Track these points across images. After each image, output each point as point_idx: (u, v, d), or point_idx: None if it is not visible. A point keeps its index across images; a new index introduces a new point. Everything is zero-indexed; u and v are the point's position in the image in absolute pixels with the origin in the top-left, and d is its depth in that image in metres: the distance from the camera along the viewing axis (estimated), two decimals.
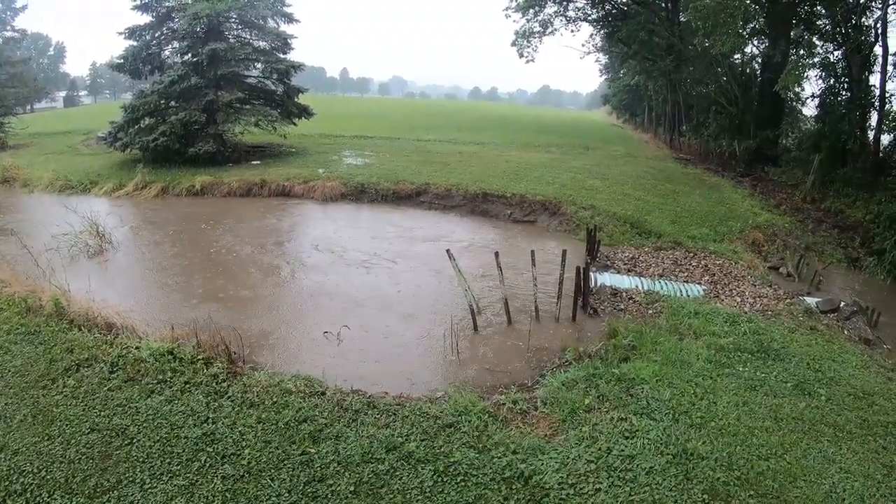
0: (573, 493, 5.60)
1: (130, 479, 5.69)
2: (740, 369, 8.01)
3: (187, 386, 7.11)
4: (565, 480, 5.74)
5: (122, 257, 12.91)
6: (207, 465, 5.89)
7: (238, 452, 6.05)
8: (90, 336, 8.10)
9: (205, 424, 6.45)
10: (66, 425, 6.38)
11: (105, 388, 7.00)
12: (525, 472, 5.82)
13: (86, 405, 6.72)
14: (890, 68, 22.12)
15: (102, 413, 6.58)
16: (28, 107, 55.81)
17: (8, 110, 30.41)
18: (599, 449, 6.17)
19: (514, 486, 5.68)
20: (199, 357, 7.62)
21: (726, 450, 6.24)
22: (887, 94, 22.25)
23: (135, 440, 6.19)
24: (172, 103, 22.82)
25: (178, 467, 5.85)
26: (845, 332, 10.14)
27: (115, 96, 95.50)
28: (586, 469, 5.89)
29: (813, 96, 25.92)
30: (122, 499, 5.46)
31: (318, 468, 5.88)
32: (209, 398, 6.90)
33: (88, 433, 6.27)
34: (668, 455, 6.10)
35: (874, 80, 22.80)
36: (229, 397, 6.94)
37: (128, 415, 6.57)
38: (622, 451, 6.15)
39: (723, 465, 6.00)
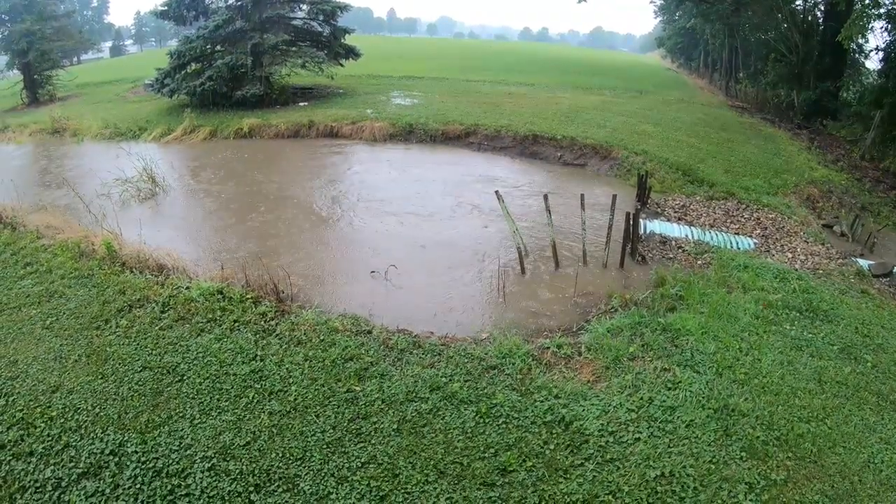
0: (612, 440, 5.64)
1: (181, 414, 5.94)
2: (787, 328, 7.85)
3: (236, 324, 7.33)
4: (605, 428, 5.78)
5: (172, 201, 13.20)
6: (255, 401, 6.11)
7: (285, 389, 6.25)
8: (142, 278, 8.36)
9: (253, 362, 6.66)
10: (119, 364, 6.65)
11: (156, 328, 7.27)
12: (566, 417, 5.88)
13: (138, 344, 6.99)
14: None
15: (154, 352, 6.84)
16: (75, 59, 56.67)
17: (55, 63, 30.97)
18: (641, 398, 6.17)
19: (554, 431, 5.74)
20: (247, 296, 7.82)
21: (767, 409, 6.17)
22: None
23: (185, 377, 6.44)
24: (218, 48, 23.00)
25: (227, 403, 6.08)
26: None
27: (161, 44, 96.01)
28: (627, 418, 5.91)
29: (877, 49, 24.66)
30: (172, 433, 5.71)
31: (363, 406, 6.04)
32: (257, 336, 7.11)
33: (140, 371, 6.53)
34: (709, 409, 6.07)
35: None
36: (277, 335, 7.13)
37: (178, 353, 6.82)
38: (664, 401, 6.14)
39: (763, 424, 5.95)
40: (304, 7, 25.03)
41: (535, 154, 17.78)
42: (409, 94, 25.74)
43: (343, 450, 5.55)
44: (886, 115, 21.42)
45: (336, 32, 25.18)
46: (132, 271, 8.59)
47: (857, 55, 28.37)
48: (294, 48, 24.21)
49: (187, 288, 8.05)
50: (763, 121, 25.98)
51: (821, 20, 28.28)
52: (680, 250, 10.59)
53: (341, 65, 25.79)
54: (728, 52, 38.21)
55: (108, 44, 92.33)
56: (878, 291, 9.73)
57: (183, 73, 22.57)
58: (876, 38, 26.40)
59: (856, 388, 6.73)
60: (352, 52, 25.65)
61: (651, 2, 49.47)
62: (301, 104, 23.07)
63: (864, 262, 11.06)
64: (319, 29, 25.34)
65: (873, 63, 27.52)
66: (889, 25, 22.81)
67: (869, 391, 6.70)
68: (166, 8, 23.81)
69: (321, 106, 22.51)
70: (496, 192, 9.74)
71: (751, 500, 5.10)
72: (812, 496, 5.20)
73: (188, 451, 5.53)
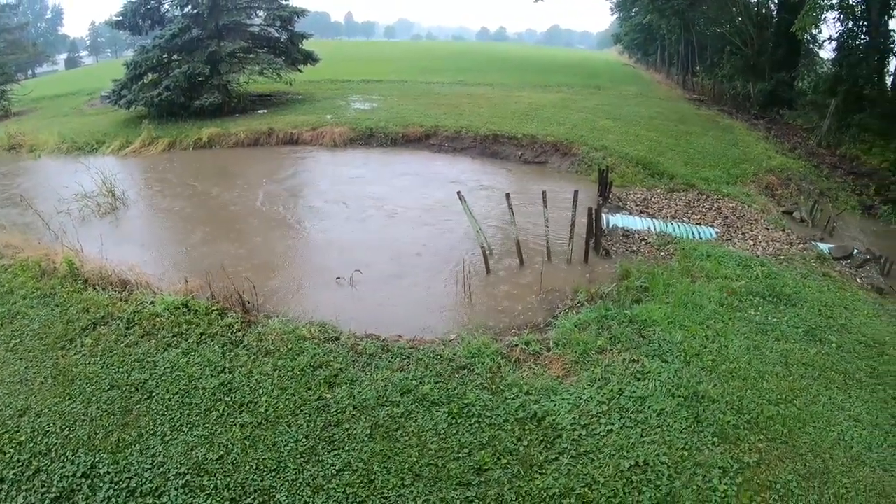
0: (585, 433, 5.69)
1: (151, 432, 5.83)
2: (752, 313, 8.02)
3: (203, 337, 7.22)
4: (578, 421, 5.83)
5: (132, 215, 12.93)
6: (226, 414, 6.03)
7: (255, 400, 6.18)
8: (105, 294, 8.18)
9: (222, 374, 6.57)
10: (87, 384, 6.51)
11: (122, 345, 7.13)
12: (538, 413, 5.91)
13: (104, 363, 6.84)
14: None
15: (121, 369, 6.71)
16: (29, 72, 55.30)
17: (9, 77, 30.20)
18: (611, 390, 6.24)
19: (527, 427, 5.78)
20: (213, 308, 7.71)
21: (737, 393, 6.29)
22: None
23: (154, 394, 6.33)
24: (175, 57, 22.59)
25: (198, 418, 5.99)
26: (858, 279, 10.06)
27: (117, 54, 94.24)
28: (598, 410, 5.97)
29: (830, 39, 25.23)
30: (144, 452, 5.61)
31: (335, 413, 6.00)
32: (225, 348, 7.01)
33: (108, 390, 6.40)
34: (679, 397, 6.17)
35: (893, 24, 22.44)
36: (245, 346, 7.04)
37: (146, 369, 6.70)
38: (634, 392, 6.22)
39: (733, 409, 6.06)
40: (261, 13, 24.83)
41: (495, 153, 17.88)
42: (368, 97, 25.68)
43: (317, 458, 5.51)
44: (841, 103, 22.03)
45: (293, 38, 25.02)
46: (95, 288, 8.40)
47: (811, 45, 29.06)
48: (252, 55, 23.99)
49: (152, 303, 7.90)
50: (720, 112, 26.46)
51: (774, 12, 28.94)
52: (643, 243, 10.72)
53: (300, 70, 25.62)
54: (684, 47, 38.89)
55: (64, 56, 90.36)
56: (839, 274, 9.99)
57: (140, 83, 22.15)
58: (829, 28, 27.27)
59: (822, 368, 6.91)
60: (310, 58, 25.52)
61: None
62: (260, 111, 22.86)
63: (824, 246, 11.34)
64: (277, 35, 25.14)
65: (827, 53, 28.21)
66: (841, 16, 23.45)
67: (835, 371, 6.89)
68: (121, 18, 23.30)
69: (280, 113, 22.36)
70: (458, 192, 9.75)
71: (725, 483, 5.19)
72: (785, 476, 5.31)
73: (161, 469, 5.44)
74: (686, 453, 5.49)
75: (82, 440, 5.76)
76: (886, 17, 22.36)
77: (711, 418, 5.91)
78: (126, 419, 6.00)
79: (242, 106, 23.32)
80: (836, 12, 23.37)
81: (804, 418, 6.03)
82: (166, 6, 23.80)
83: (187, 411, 6.08)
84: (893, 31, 22.31)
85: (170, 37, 21.66)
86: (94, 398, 6.29)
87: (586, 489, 5.13)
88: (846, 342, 7.51)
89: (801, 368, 6.87)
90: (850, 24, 23.30)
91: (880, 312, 8.57)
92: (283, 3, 24.56)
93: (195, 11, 22.43)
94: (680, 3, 32.49)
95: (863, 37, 22.96)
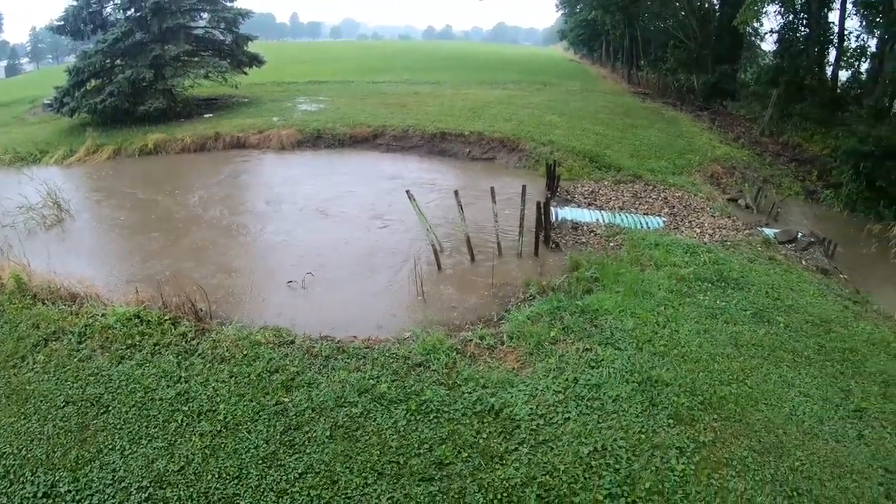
0: (543, 423, 5.80)
1: (110, 446, 5.73)
2: (701, 298, 8.27)
3: (157, 347, 7.10)
4: (535, 411, 5.94)
5: (79, 226, 12.55)
6: (185, 424, 5.95)
7: (213, 408, 6.12)
8: (55, 309, 7.95)
9: (178, 384, 6.47)
10: (41, 401, 6.35)
11: (75, 360, 6.96)
12: (495, 406, 6.00)
13: (58, 379, 6.67)
14: (849, 6, 22.45)
15: (75, 385, 6.55)
16: None
17: None
18: (566, 379, 6.37)
19: (485, 420, 5.86)
20: (165, 318, 7.57)
21: (689, 376, 6.49)
22: (845, 32, 22.71)
23: (110, 408, 6.20)
24: (118, 62, 21.98)
25: (156, 430, 5.90)
26: (803, 262, 10.47)
27: (59, 60, 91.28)
28: (555, 399, 6.09)
29: (771, 31, 26.20)
30: (104, 467, 5.51)
31: (294, 416, 5.98)
32: (180, 358, 6.90)
33: (64, 406, 6.26)
34: (633, 383, 6.34)
35: (833, 16, 23.29)
36: (200, 355, 6.95)
37: (101, 383, 6.55)
38: (589, 380, 6.36)
39: (686, 391, 6.25)
40: (206, 15, 24.29)
41: (443, 151, 18.01)
42: (315, 98, 25.52)
43: (279, 463, 5.49)
44: (783, 93, 22.82)
45: (238, 40, 24.63)
46: (44, 303, 8.15)
47: (752, 38, 29.96)
48: (196, 58, 23.50)
49: (103, 315, 7.71)
50: (665, 105, 27.12)
51: (717, 7, 29.67)
52: (592, 234, 10.94)
53: (245, 73, 25.25)
54: (629, 41, 39.59)
55: (3, 63, 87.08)
56: (784, 257, 10.38)
57: (83, 90, 21.47)
58: (770, 21, 27.98)
59: (771, 348, 7.19)
60: (255, 60, 25.15)
61: None
62: (206, 116, 22.46)
63: (769, 231, 11.75)
64: (222, 37, 24.70)
65: (769, 45, 29.25)
66: (782, 9, 24.26)
67: (784, 350, 7.18)
68: (62, 22, 22.65)
69: (227, 116, 22.03)
70: (407, 191, 9.81)
71: (683, 463, 5.36)
72: (741, 452, 5.52)
73: (122, 484, 5.36)
74: (643, 436, 5.65)
75: (40, 460, 5.63)
76: (826, 10, 23.20)
77: (666, 401, 6.09)
78: (84, 435, 5.88)
79: (188, 110, 22.88)
80: (777, 5, 24.21)
81: (756, 396, 6.26)
82: (109, 10, 23.22)
83: (145, 423, 5.98)
84: (833, 23, 23.20)
85: (112, 41, 21.09)
86: (50, 416, 6.14)
87: (547, 477, 5.24)
88: (794, 322, 7.82)
89: (751, 349, 7.13)
90: (791, 17, 24.14)
91: (825, 292, 8.95)
92: (228, 4, 24.16)
93: (138, 14, 21.88)
94: None
95: (803, 29, 23.82)
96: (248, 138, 19.20)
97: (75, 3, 22.48)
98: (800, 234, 11.76)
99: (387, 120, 19.86)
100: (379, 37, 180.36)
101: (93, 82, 21.78)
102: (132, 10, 22.25)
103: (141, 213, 13.10)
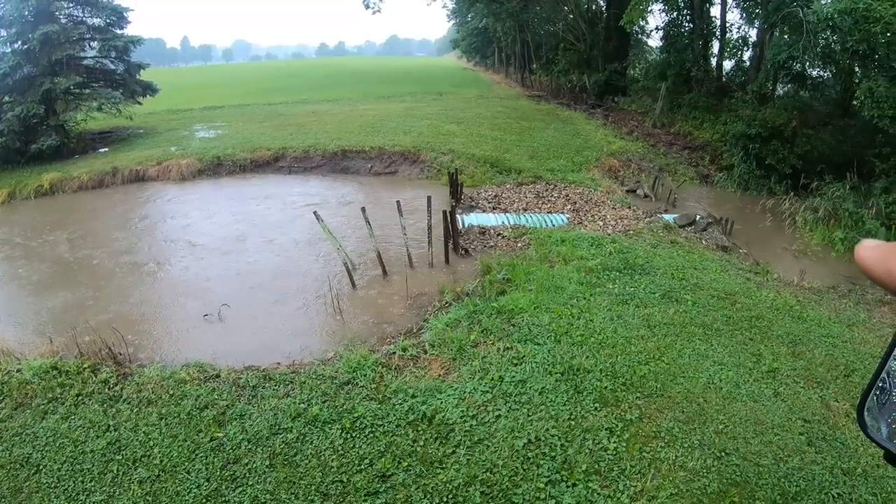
0: (476, 423, 5.99)
1: None
2: (611, 287, 8.74)
3: (80, 398, 6.80)
4: (466, 413, 6.13)
5: None
6: (121, 473, 5.74)
7: (148, 453, 5.94)
8: None
9: (107, 433, 6.23)
10: None
11: None
12: (427, 413, 6.14)
13: None
14: (729, 0, 23.97)
15: (1, 447, 6.18)
16: None
17: None
18: (492, 379, 6.60)
19: (420, 428, 5.99)
20: (84, 366, 7.26)
21: (609, 361, 6.86)
22: (727, 24, 24.39)
23: (41, 466, 5.89)
24: (6, 98, 20.77)
25: (92, 483, 5.66)
26: (703, 242, 11.22)
27: None
28: (484, 399, 6.30)
29: (657, 29, 27.70)
30: None
31: (230, 450, 5.90)
32: (105, 406, 6.65)
33: None
34: (556, 374, 6.63)
35: (715, 11, 24.88)
36: (125, 400, 6.72)
37: (27, 442, 6.20)
38: (513, 377, 6.62)
39: (608, 375, 6.60)
40: (95, 45, 23.36)
41: (346, 168, 18.17)
42: (212, 125, 25.08)
43: (223, 499, 5.40)
44: (671, 86, 24.26)
45: (130, 69, 23.80)
46: None
47: (640, 36, 31.59)
48: (88, 90, 22.63)
49: (18, 371, 7.29)
50: (559, 105, 28.25)
51: (604, 8, 31.17)
52: (499, 237, 11.30)
53: (139, 103, 24.37)
54: (520, 47, 40.91)
55: None
56: (685, 239, 11.09)
57: None
58: (655, 18, 29.64)
59: (682, 325, 7.68)
60: (149, 88, 24.36)
61: (444, 6, 51.69)
62: (101, 150, 21.57)
63: (669, 217, 12.49)
64: (113, 67, 23.78)
65: (655, 41, 30.86)
66: (666, 6, 25.75)
67: (695, 325, 7.68)
68: None
69: (123, 150, 21.24)
70: (315, 212, 9.88)
71: (614, 442, 5.65)
72: (667, 424, 5.87)
73: None
74: (573, 422, 5.91)
75: None
76: (708, 4, 24.76)
77: (590, 387, 6.40)
78: (18, 499, 5.56)
79: (83, 146, 21.87)
80: (661, 4, 25.69)
81: (674, 371, 6.69)
82: None
83: (80, 478, 5.72)
84: (715, 17, 24.81)
85: (0, 76, 19.97)
86: None
87: (488, 474, 5.41)
88: (700, 298, 8.38)
89: (663, 328, 7.59)
90: (675, 14, 25.60)
91: (727, 268, 9.65)
92: (118, 32, 23.27)
93: (26, 47, 20.81)
94: (513, 6, 34.19)
95: (687, 24, 25.30)
96: (146, 171, 18.56)
97: None
98: (698, 217, 12.54)
99: (287, 142, 19.79)
100: (272, 57, 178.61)
101: None
102: (19, 42, 21.16)
103: (44, 259, 12.44)
